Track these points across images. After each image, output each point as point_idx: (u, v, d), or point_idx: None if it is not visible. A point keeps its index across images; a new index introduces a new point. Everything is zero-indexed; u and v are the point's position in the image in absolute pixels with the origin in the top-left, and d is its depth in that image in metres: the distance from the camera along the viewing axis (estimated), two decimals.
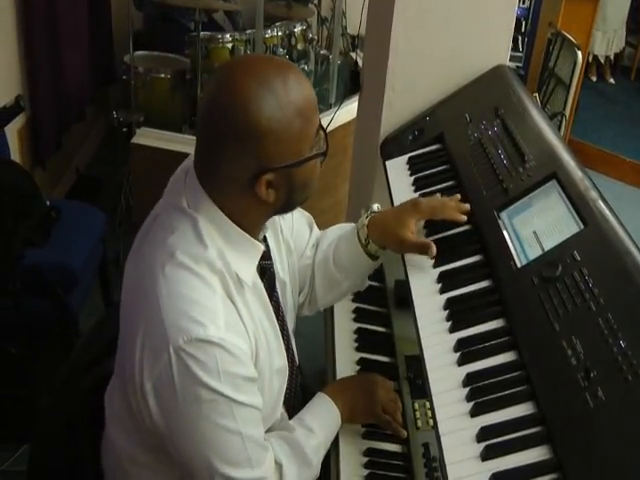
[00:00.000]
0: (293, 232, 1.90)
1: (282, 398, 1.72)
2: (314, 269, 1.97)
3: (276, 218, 1.74)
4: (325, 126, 2.48)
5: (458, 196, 1.96)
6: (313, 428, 1.72)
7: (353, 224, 1.99)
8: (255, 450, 1.52)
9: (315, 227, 2.01)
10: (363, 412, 1.86)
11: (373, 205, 1.99)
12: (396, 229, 1.87)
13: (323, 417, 1.78)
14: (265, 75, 1.43)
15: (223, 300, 1.47)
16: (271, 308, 1.66)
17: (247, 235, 1.54)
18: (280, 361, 1.68)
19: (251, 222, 1.55)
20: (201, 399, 1.42)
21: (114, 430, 1.64)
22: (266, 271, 1.67)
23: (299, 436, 1.69)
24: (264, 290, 1.64)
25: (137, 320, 1.47)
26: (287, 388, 1.74)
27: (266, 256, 1.66)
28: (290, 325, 1.84)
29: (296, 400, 1.86)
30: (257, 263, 1.59)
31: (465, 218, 1.90)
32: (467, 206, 1.92)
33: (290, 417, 1.78)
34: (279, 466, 1.62)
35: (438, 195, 2.00)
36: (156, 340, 1.42)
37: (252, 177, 1.45)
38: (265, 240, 1.68)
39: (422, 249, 1.85)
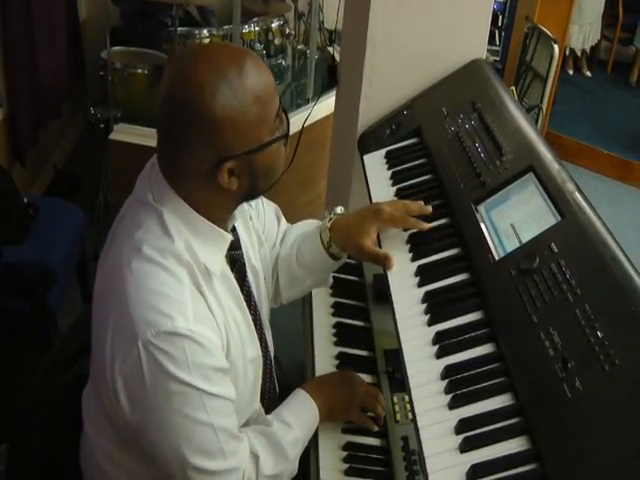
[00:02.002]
0: (265, 224, 1.91)
1: (259, 388, 1.72)
2: (278, 264, 1.97)
3: (245, 207, 1.74)
4: (303, 121, 2.49)
5: (421, 202, 1.94)
6: (291, 423, 1.72)
7: (318, 222, 2.00)
8: (228, 441, 1.52)
9: (282, 218, 2.02)
10: (342, 409, 1.85)
11: (337, 208, 2.02)
12: (356, 236, 1.88)
13: (301, 413, 1.78)
14: (220, 63, 1.44)
15: (191, 291, 1.47)
16: (242, 298, 1.66)
17: (214, 226, 1.54)
18: (253, 351, 1.68)
19: (218, 212, 1.55)
20: (171, 392, 1.43)
21: (91, 429, 1.64)
22: (236, 261, 1.67)
23: (276, 430, 1.69)
24: (234, 280, 1.64)
25: (107, 317, 1.47)
26: (262, 378, 1.75)
27: (235, 246, 1.66)
28: (265, 315, 1.84)
29: (272, 392, 1.86)
30: (225, 253, 1.59)
31: (427, 226, 1.89)
32: (429, 209, 1.91)
33: (265, 409, 1.78)
34: (256, 457, 1.62)
35: (397, 199, 2.01)
36: (125, 335, 1.43)
37: (213, 167, 1.45)
38: (234, 230, 1.67)
39: (379, 260, 1.87)
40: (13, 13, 3.90)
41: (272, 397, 1.86)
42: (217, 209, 1.55)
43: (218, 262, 1.56)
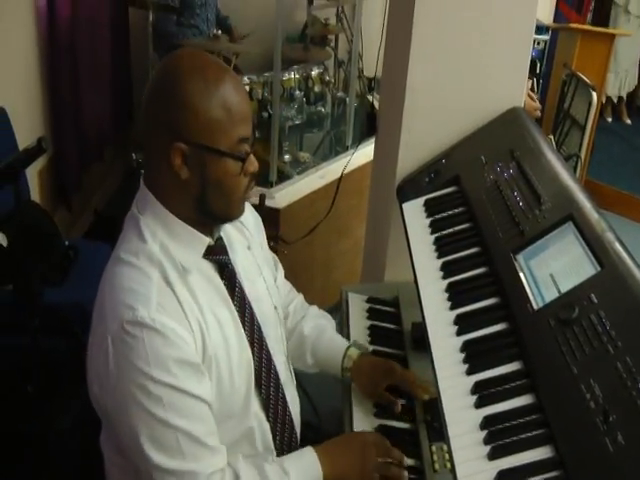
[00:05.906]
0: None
1: (252, 394, 1.72)
2: (291, 330, 2.09)
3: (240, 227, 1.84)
4: (342, 168, 2.48)
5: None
6: (289, 472, 1.67)
7: (333, 323, 2.18)
8: (190, 445, 1.52)
9: (279, 266, 2.13)
10: (355, 477, 1.77)
11: (359, 342, 2.18)
12: (368, 386, 2.03)
13: (303, 470, 1.71)
14: (204, 66, 1.58)
15: (159, 287, 1.54)
16: (230, 300, 1.70)
17: (190, 228, 1.62)
18: (243, 352, 1.70)
19: (182, 208, 1.61)
20: (132, 383, 1.47)
21: (102, 439, 1.70)
22: (224, 266, 1.71)
23: (271, 470, 1.65)
24: (221, 283, 1.69)
25: (93, 320, 1.56)
26: (264, 387, 1.75)
27: (221, 252, 1.71)
28: (270, 323, 1.84)
29: (281, 410, 1.82)
30: (202, 253, 1.65)
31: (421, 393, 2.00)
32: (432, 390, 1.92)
33: (279, 433, 1.80)
34: (237, 477, 1.61)
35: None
36: (99, 332, 1.52)
37: (168, 143, 1.53)
38: (220, 239, 1.73)
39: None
40: (59, 57, 3.99)
41: (284, 417, 1.83)
42: (180, 204, 1.61)
43: (194, 260, 1.63)
